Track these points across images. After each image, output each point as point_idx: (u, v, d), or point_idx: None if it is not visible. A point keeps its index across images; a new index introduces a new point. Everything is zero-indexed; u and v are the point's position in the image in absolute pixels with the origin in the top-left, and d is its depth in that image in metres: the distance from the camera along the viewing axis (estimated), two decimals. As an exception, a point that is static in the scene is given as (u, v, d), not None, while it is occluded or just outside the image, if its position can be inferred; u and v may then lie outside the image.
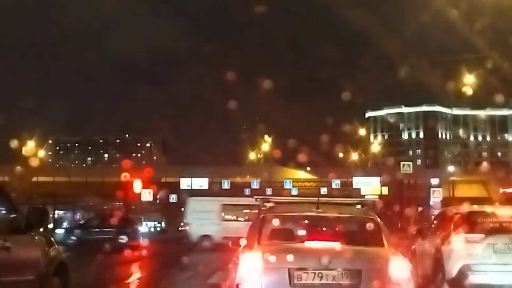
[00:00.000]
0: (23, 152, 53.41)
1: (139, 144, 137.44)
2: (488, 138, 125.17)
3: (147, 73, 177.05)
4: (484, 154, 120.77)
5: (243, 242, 6.76)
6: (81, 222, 40.24)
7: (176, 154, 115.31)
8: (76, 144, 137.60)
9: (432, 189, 44.55)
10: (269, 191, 52.50)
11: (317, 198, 7.07)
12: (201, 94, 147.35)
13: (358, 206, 7.62)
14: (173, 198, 55.94)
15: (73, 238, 28.52)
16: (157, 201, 59.89)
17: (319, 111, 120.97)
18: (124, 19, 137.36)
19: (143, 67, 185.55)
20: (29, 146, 53.53)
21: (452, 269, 9.42)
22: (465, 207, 10.39)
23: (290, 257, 5.93)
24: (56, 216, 59.12)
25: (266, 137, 62.57)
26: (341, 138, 63.50)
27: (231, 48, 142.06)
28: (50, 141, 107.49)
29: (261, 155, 64.56)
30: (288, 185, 56.29)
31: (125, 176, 47.15)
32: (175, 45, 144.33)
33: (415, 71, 67.51)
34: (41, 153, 57.19)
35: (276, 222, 6.75)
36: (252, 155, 64.68)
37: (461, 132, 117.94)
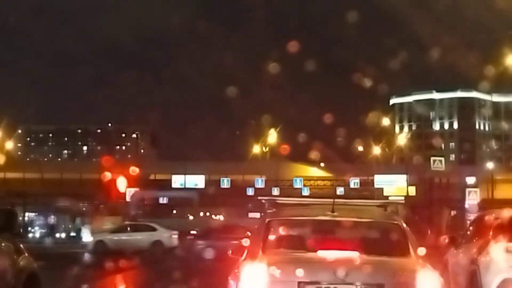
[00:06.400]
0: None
1: (123, 135, 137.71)
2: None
3: (133, 53, 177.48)
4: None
5: (245, 251, 6.77)
6: None
7: (166, 146, 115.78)
8: (50, 135, 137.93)
9: (467, 190, 44.55)
10: (276, 191, 52.66)
11: (332, 200, 7.07)
12: (197, 79, 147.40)
13: (381, 209, 7.61)
14: (163, 198, 56.11)
15: None
16: (145, 202, 60.04)
17: (334, 98, 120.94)
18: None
19: (129, 46, 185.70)
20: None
21: (491, 284, 9.40)
22: (507, 211, 10.36)
23: (300, 269, 5.93)
24: (26, 218, 59.37)
25: (271, 131, 62.48)
26: (360, 129, 63.59)
27: (232, 25, 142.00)
28: (20, 131, 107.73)
29: (267, 149, 64.57)
30: (298, 184, 56.41)
31: (106, 176, 47.33)
32: (166, 22, 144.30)
33: (448, 51, 67.43)
34: (9, 145, 57.36)
35: (283, 228, 6.75)
36: (256, 149, 64.68)
37: (502, 122, 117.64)
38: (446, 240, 12.15)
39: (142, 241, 31.76)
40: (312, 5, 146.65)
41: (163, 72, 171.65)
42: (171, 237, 33.17)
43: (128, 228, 34.58)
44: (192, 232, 36.52)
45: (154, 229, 33.43)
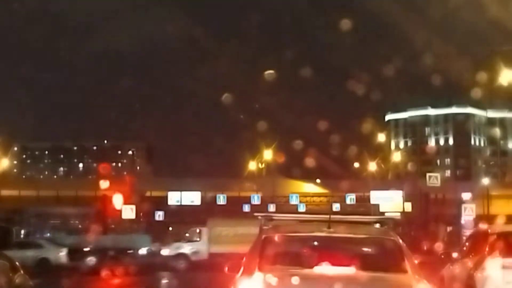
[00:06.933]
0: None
1: (119, 152, 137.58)
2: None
3: (128, 65, 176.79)
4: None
5: (241, 267, 6.75)
6: None
7: (163, 163, 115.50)
8: (46, 152, 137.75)
9: (463, 206, 44.52)
10: (272, 207, 52.52)
11: (328, 216, 7.08)
12: (192, 89, 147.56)
13: (377, 225, 7.62)
14: (159, 215, 55.89)
15: None
16: (141, 219, 59.83)
17: (330, 108, 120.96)
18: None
19: (124, 58, 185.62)
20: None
21: (487, 300, 9.40)
22: (503, 227, 10.37)
23: (296, 285, 5.92)
24: (22, 236, 59.09)
25: (268, 148, 62.45)
26: (356, 144, 63.52)
27: (227, 33, 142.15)
28: (15, 148, 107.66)
29: (263, 165, 64.51)
30: (294, 200, 56.31)
31: (102, 184, 47.09)
32: (160, 30, 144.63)
33: (442, 65, 67.65)
34: (5, 162, 57.23)
35: (280, 244, 6.74)
36: (252, 166, 64.66)
37: (498, 137, 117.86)
38: (442, 256, 12.16)
39: (27, 259, 30.86)
40: (307, 10, 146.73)
41: (158, 84, 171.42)
42: (58, 255, 32.36)
43: (16, 246, 32.73)
44: None
45: (41, 246, 32.63)
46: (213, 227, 36.51)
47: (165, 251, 35.91)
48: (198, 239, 35.95)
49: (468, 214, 42.31)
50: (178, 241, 36.87)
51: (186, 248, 35.42)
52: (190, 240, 36.20)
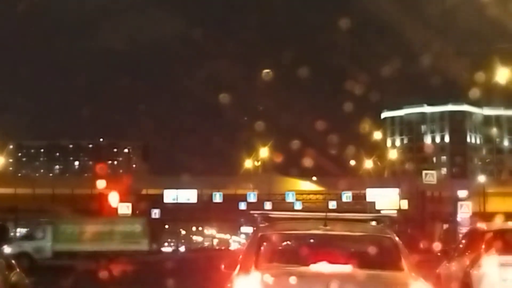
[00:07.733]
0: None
1: (115, 150, 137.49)
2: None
3: (126, 64, 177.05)
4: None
5: (238, 264, 6.74)
6: None
7: (159, 161, 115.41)
8: (42, 150, 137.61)
9: (459, 203, 44.66)
10: (268, 205, 52.52)
11: (324, 214, 7.07)
12: (189, 89, 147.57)
13: (373, 223, 7.62)
14: (155, 213, 55.86)
15: None
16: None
17: (327, 111, 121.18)
18: None
19: (121, 57, 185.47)
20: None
21: (483, 297, 9.41)
22: (499, 224, 10.38)
23: (293, 283, 5.92)
24: (17, 234, 59.05)
25: (264, 146, 62.49)
26: (352, 142, 63.62)
27: (225, 33, 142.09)
28: (11, 146, 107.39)
29: (259, 163, 64.55)
30: (290, 198, 56.26)
31: (99, 184, 46.97)
32: (159, 30, 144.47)
33: (439, 63, 67.70)
34: (0, 160, 57.16)
35: (276, 242, 6.74)
36: (248, 163, 64.69)
37: (493, 135, 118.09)
38: (439, 254, 12.18)
39: None
40: (304, 10, 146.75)
41: (155, 83, 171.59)
42: None
43: None
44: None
45: None
46: (58, 225, 35.43)
47: (7, 250, 33.47)
48: (41, 237, 34.35)
49: (464, 211, 42.44)
50: (21, 239, 35.47)
51: (29, 247, 33.50)
52: (33, 238, 34.64)
